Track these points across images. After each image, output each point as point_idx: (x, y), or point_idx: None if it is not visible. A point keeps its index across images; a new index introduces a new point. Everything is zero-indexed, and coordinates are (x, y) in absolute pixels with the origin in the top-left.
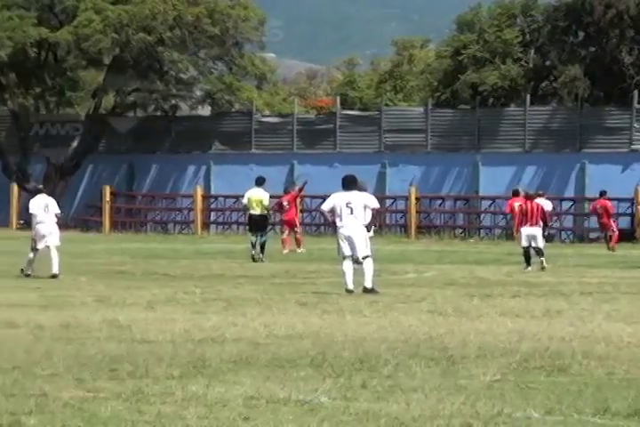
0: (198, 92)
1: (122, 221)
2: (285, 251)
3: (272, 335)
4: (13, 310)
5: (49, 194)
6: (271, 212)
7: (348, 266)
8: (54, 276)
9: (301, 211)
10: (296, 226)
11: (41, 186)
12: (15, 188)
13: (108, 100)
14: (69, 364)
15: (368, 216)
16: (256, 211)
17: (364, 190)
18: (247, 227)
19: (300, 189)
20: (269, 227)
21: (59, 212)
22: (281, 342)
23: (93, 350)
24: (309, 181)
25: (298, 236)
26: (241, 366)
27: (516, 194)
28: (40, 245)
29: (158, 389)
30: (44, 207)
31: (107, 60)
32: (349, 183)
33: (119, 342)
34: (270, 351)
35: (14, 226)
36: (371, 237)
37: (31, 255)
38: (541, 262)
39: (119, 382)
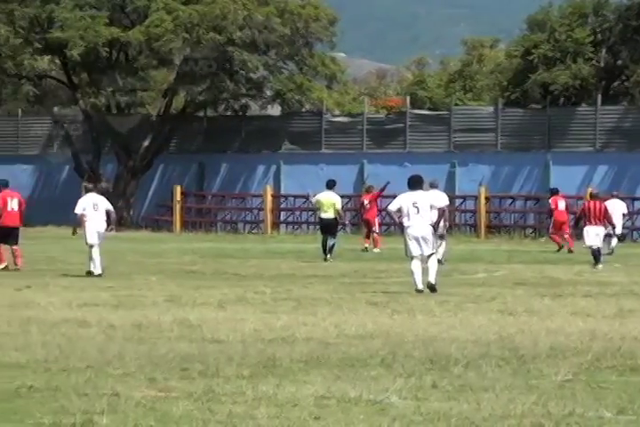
0: (268, 92)
1: (192, 220)
2: (376, 249)
3: (342, 335)
4: (86, 309)
5: (120, 194)
6: (342, 213)
7: (416, 266)
8: (93, 273)
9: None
10: (374, 226)
11: (90, 185)
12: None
13: (179, 100)
14: (141, 363)
15: (434, 215)
16: (327, 214)
17: (436, 188)
18: (318, 228)
19: (382, 190)
20: (340, 228)
21: (111, 208)
22: (351, 341)
23: (165, 350)
24: (390, 182)
25: (375, 236)
26: (311, 365)
27: (555, 192)
28: (93, 241)
29: (229, 388)
30: (92, 206)
31: (177, 60)
32: (415, 183)
33: (190, 342)
34: (341, 351)
35: None
36: (441, 235)
37: (92, 253)
38: (596, 263)
39: (190, 381)
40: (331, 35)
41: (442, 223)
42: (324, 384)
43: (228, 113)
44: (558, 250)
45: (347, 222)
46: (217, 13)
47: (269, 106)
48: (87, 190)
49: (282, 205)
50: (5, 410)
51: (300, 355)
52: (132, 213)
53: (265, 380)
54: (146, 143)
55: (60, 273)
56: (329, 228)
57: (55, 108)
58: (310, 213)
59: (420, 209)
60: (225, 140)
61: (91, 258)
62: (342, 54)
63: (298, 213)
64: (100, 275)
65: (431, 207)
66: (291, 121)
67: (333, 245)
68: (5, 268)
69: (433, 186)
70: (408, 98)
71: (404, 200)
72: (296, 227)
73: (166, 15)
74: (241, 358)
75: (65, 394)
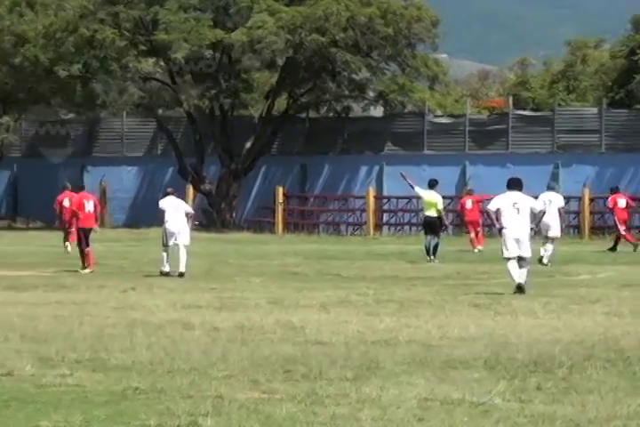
0: (371, 93)
1: (294, 222)
2: (476, 249)
3: (445, 337)
4: (190, 311)
5: (223, 195)
6: (444, 213)
7: (513, 265)
8: (181, 274)
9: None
10: (479, 226)
11: (171, 189)
12: (190, 189)
13: (281, 102)
14: (244, 365)
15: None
16: (429, 212)
17: (552, 190)
18: (421, 229)
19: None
20: (443, 228)
21: (191, 211)
22: (454, 343)
23: (268, 352)
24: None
25: (480, 235)
26: (414, 367)
27: (616, 191)
28: (170, 242)
29: (332, 390)
30: (174, 207)
31: (280, 62)
32: (514, 185)
33: (293, 344)
34: (444, 353)
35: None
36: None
37: (164, 254)
38: None
39: (293, 383)
40: (433, 36)
41: (560, 224)
42: (427, 386)
43: (331, 114)
44: (635, 249)
45: (447, 224)
46: (319, 15)
47: (372, 107)
48: (166, 194)
49: (384, 207)
50: (112, 412)
51: (403, 357)
52: (234, 214)
53: (368, 382)
54: (248, 145)
55: (163, 275)
56: (431, 226)
57: (159, 111)
58: (413, 214)
59: (521, 210)
60: (327, 142)
61: (163, 258)
62: (445, 55)
63: (400, 214)
64: (182, 274)
65: (530, 209)
66: (393, 122)
67: (437, 245)
68: (91, 271)
69: (550, 188)
70: (511, 99)
71: (504, 201)
72: (398, 228)
73: (269, 17)
74: (344, 360)
75: (170, 396)
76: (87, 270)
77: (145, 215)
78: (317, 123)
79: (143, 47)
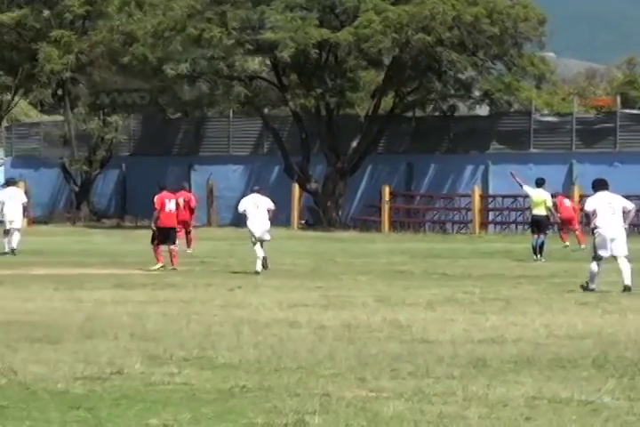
0: (477, 92)
1: (400, 220)
2: (583, 245)
3: (552, 335)
4: (296, 309)
5: (329, 194)
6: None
7: (596, 266)
8: (263, 268)
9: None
10: (575, 224)
11: (256, 187)
12: (297, 188)
13: (387, 101)
14: (351, 364)
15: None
16: (538, 210)
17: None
18: (529, 227)
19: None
20: (549, 227)
21: (273, 207)
22: (562, 342)
23: (374, 350)
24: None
25: (577, 233)
26: (522, 366)
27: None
28: (253, 239)
29: (439, 388)
30: (254, 205)
31: (386, 61)
32: (602, 185)
33: (400, 342)
34: (551, 351)
35: (295, 226)
36: None
37: (256, 249)
38: None
39: (400, 381)
40: (540, 34)
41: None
42: (534, 385)
43: (437, 113)
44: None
45: (554, 222)
46: (426, 14)
47: (477, 106)
48: (252, 191)
49: (490, 205)
50: (220, 410)
51: (510, 355)
52: (340, 213)
53: (475, 380)
54: (354, 144)
55: (270, 274)
56: (539, 225)
57: (265, 109)
58: (519, 212)
59: (616, 210)
60: (433, 141)
61: (256, 254)
62: (551, 54)
63: (506, 212)
64: (257, 272)
65: (623, 208)
66: (499, 121)
67: (542, 243)
68: (162, 267)
69: None
70: (618, 97)
71: (599, 201)
72: (504, 227)
73: (375, 16)
74: (451, 358)
75: (277, 394)
76: (158, 266)
77: None
78: (423, 122)
79: (250, 46)
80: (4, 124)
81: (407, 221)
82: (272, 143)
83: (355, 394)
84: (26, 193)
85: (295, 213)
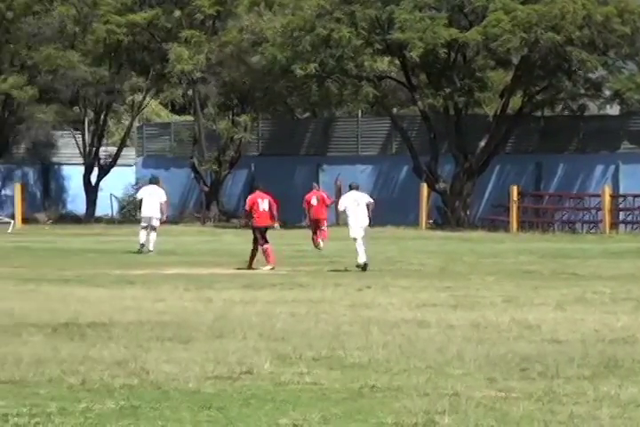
0: (607, 92)
1: (529, 220)
2: None
3: None
4: (424, 309)
5: (457, 194)
6: None
7: None
8: (364, 266)
9: None
10: None
11: (354, 184)
12: (425, 188)
13: (516, 100)
14: (480, 364)
15: None
16: None
17: None
18: None
19: None
20: None
21: (371, 202)
22: None
23: (504, 350)
24: None
25: None
26: None
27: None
28: (355, 235)
29: (570, 389)
30: (354, 202)
31: (515, 60)
32: None
33: (529, 342)
34: None
35: (424, 226)
36: None
37: (358, 246)
38: None
39: (530, 381)
40: None
41: None
42: None
43: (566, 113)
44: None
45: None
46: (555, 13)
47: (608, 106)
48: (351, 188)
49: (620, 205)
50: (349, 409)
51: None
52: (468, 213)
53: (606, 380)
54: (482, 144)
55: (399, 273)
56: None
57: (394, 109)
58: None
59: None
60: (562, 140)
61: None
62: None
63: (637, 212)
64: (361, 266)
65: None
66: (630, 120)
67: None
68: (273, 268)
69: None
70: None
71: None
72: (635, 226)
73: (504, 15)
74: (581, 358)
75: (406, 394)
76: (268, 267)
77: (379, 214)
78: (552, 121)
79: (378, 46)
80: (136, 124)
81: (536, 220)
82: (400, 143)
83: (484, 394)
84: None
85: (423, 213)
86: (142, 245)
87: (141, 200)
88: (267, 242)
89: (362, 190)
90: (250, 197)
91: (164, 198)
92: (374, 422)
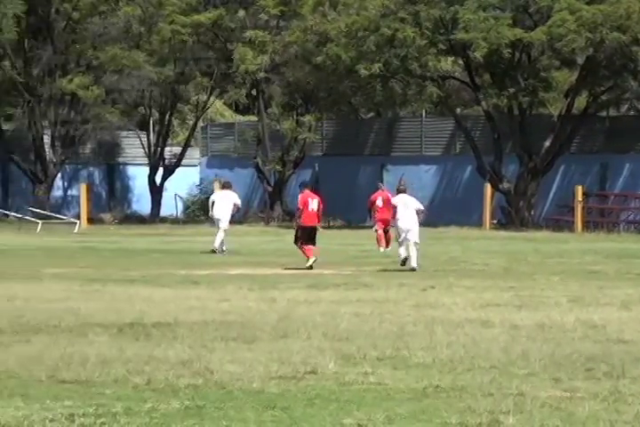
0: None
1: (593, 220)
2: None
3: None
4: (488, 309)
5: (521, 194)
6: None
7: None
8: (413, 269)
9: None
10: None
11: (403, 186)
12: (489, 188)
13: (581, 100)
14: (545, 363)
15: None
16: None
17: None
18: None
19: None
20: None
21: (421, 208)
22: None
23: (569, 350)
24: None
25: None
26: None
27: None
28: (400, 239)
29: (636, 389)
30: (403, 205)
31: (580, 60)
32: None
33: (594, 342)
34: None
35: (487, 226)
36: None
37: (401, 251)
38: None
39: (595, 382)
40: None
41: None
42: None
43: (631, 113)
44: None
45: None
46: (621, 13)
47: None
48: (399, 191)
49: None
50: (414, 409)
51: None
52: (532, 213)
53: None
54: (547, 144)
55: (463, 273)
56: None
57: (458, 109)
58: None
59: None
60: (628, 141)
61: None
62: None
63: None
64: (414, 269)
65: None
66: None
67: None
68: (314, 261)
69: None
70: None
71: None
72: None
73: (569, 15)
74: None
75: (470, 394)
76: (311, 261)
77: (443, 214)
78: (618, 121)
79: (442, 46)
80: (200, 124)
81: (601, 221)
82: (464, 143)
83: (549, 394)
84: None
85: (487, 213)
86: (215, 250)
87: (213, 202)
88: (308, 244)
89: (425, 191)
90: (301, 196)
91: (238, 201)
92: (438, 423)
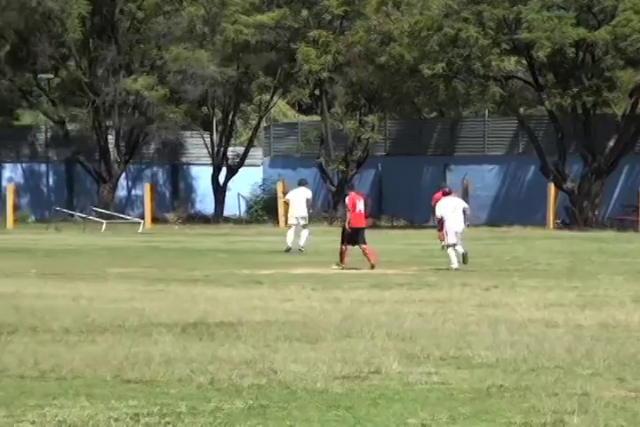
0: None
1: None
2: None
3: None
4: (552, 309)
5: (585, 194)
6: None
7: None
8: (453, 268)
9: None
10: None
11: (448, 188)
12: (552, 188)
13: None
14: (610, 363)
15: None
16: None
17: None
18: None
19: None
20: None
21: (467, 208)
22: None
23: (633, 350)
24: None
25: None
26: None
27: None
28: (452, 241)
29: None
30: (452, 209)
31: None
32: None
33: None
34: None
35: (551, 226)
36: None
37: (450, 252)
38: None
39: None
40: None
41: None
42: None
43: None
44: None
45: None
46: None
47: None
48: (445, 194)
49: None
50: (477, 409)
51: None
52: (596, 212)
53: None
54: (611, 144)
55: (526, 273)
56: None
57: (521, 109)
58: None
59: None
60: None
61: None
62: None
63: None
64: (457, 269)
65: None
66: None
67: None
68: (342, 268)
69: None
70: None
71: None
72: None
73: (634, 15)
74: None
75: (534, 394)
76: (340, 266)
77: (506, 214)
78: None
79: (506, 46)
80: (263, 124)
81: None
82: (527, 143)
83: (614, 394)
84: (284, 193)
85: (551, 213)
86: (289, 248)
87: (291, 201)
88: (364, 243)
89: (488, 190)
90: (349, 197)
91: (309, 195)
92: (502, 422)
